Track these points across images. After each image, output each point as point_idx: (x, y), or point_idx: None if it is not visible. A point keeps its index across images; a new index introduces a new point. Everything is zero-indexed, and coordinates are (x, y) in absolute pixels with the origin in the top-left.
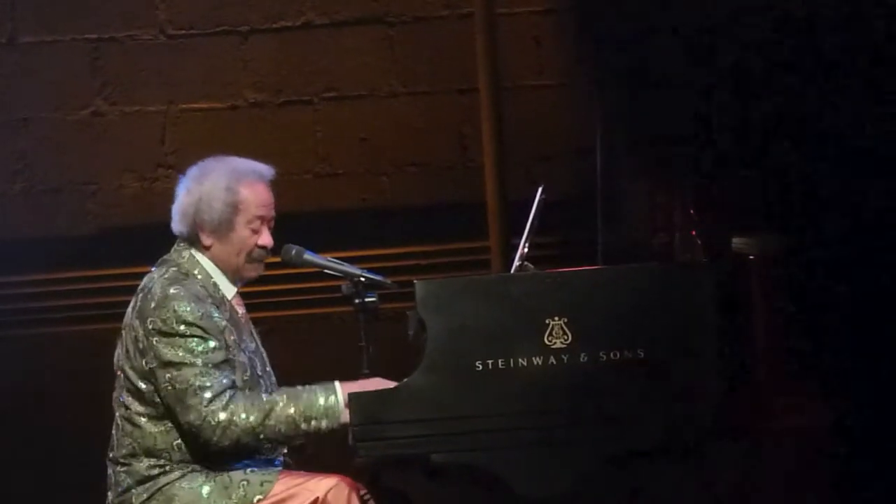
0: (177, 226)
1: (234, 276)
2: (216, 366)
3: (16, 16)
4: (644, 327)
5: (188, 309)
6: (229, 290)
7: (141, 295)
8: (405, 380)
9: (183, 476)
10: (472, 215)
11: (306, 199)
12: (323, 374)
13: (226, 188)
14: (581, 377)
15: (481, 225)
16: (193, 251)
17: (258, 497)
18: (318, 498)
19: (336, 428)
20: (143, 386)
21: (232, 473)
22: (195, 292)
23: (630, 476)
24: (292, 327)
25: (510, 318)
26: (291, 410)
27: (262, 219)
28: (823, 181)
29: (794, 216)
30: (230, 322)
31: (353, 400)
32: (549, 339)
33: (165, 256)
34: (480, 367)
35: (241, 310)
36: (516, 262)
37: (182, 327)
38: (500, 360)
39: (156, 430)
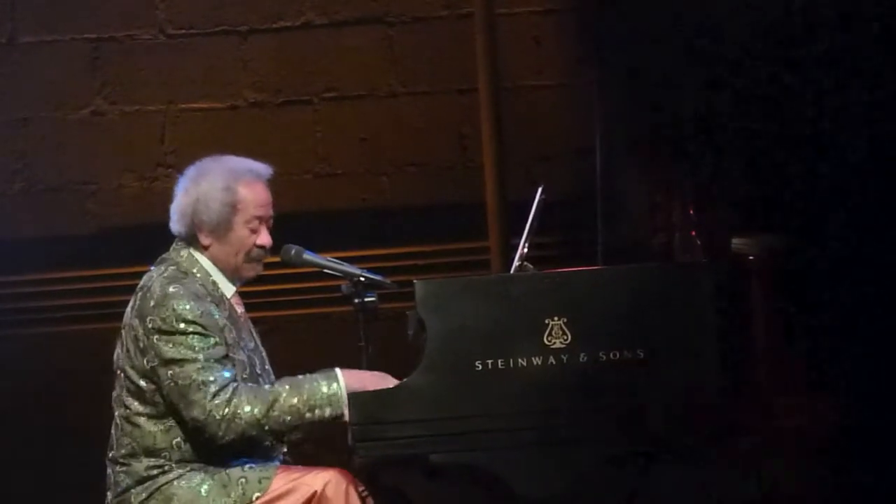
0: (175, 225)
1: (232, 275)
2: (218, 361)
3: (16, 16)
4: (644, 327)
5: (188, 307)
6: (228, 289)
7: (140, 294)
8: (405, 380)
9: (182, 475)
10: (472, 215)
11: (306, 198)
12: None
13: (224, 188)
14: (580, 377)
15: (481, 225)
16: (192, 250)
17: (257, 494)
18: (316, 492)
19: (339, 415)
20: (143, 385)
21: (230, 471)
22: (194, 291)
23: (630, 476)
24: (292, 327)
25: (510, 319)
26: (295, 400)
27: (260, 219)
28: (823, 181)
29: (794, 216)
30: (229, 321)
31: (353, 400)
32: (549, 339)
33: (164, 255)
34: (480, 367)
35: (240, 309)
36: (516, 263)
37: (182, 325)
38: (499, 360)
39: (155, 429)
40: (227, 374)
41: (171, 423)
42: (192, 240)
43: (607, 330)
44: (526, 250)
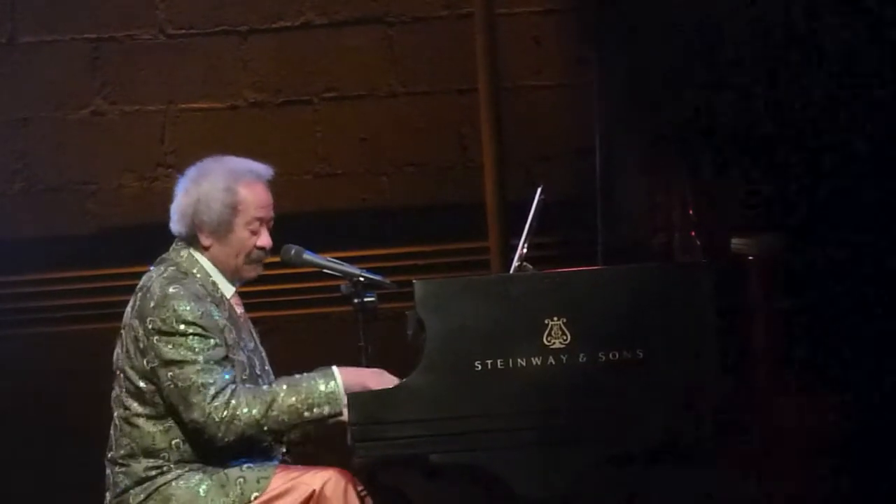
0: (175, 226)
1: (232, 276)
2: (218, 362)
3: (16, 16)
4: (643, 327)
5: (188, 308)
6: (228, 290)
7: (140, 294)
8: (404, 380)
9: (180, 476)
10: (472, 215)
11: (306, 199)
12: None
13: (225, 189)
14: (580, 377)
15: (481, 225)
16: (192, 251)
17: (255, 494)
18: (314, 491)
19: (338, 413)
20: (143, 385)
21: (228, 471)
22: (194, 291)
23: (629, 476)
24: (291, 327)
25: (509, 319)
26: (293, 399)
27: (261, 220)
28: (823, 181)
29: (794, 216)
30: (229, 321)
31: (352, 399)
32: (549, 339)
33: (164, 255)
34: (479, 367)
35: (239, 309)
36: (515, 263)
37: (182, 326)
38: (498, 361)
39: (154, 429)
40: (226, 376)
41: (170, 423)
42: (192, 240)
43: (607, 330)
44: (525, 250)
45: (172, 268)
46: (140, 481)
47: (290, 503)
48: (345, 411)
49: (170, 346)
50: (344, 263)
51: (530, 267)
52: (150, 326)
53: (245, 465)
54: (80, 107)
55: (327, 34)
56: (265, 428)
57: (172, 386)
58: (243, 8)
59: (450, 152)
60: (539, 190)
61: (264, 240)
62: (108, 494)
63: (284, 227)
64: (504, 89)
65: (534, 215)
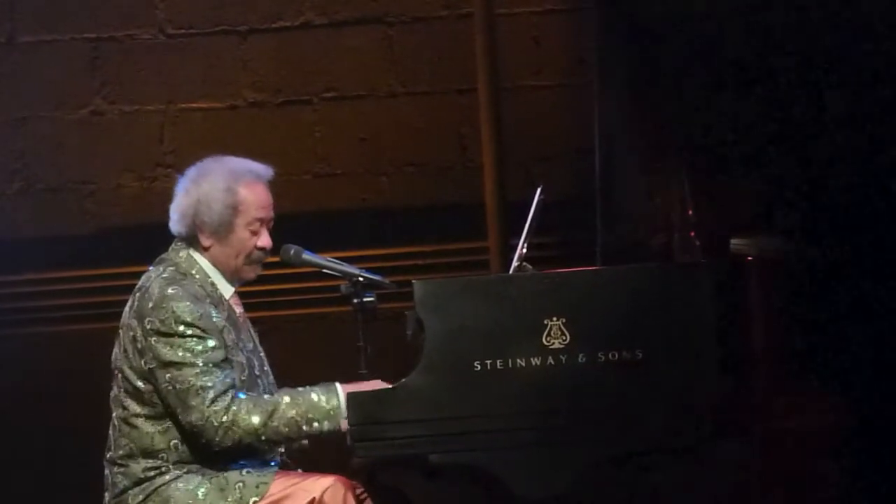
0: (175, 226)
1: (232, 276)
2: (217, 365)
3: (15, 15)
4: (643, 328)
5: (187, 309)
6: (227, 290)
7: (138, 294)
8: (403, 380)
9: (179, 477)
10: (471, 215)
11: (305, 199)
12: (321, 374)
13: (225, 189)
14: (579, 378)
15: (480, 225)
16: (191, 251)
17: (254, 499)
18: (314, 498)
19: (337, 430)
20: (141, 385)
21: (228, 475)
22: (193, 292)
23: (629, 476)
24: (291, 327)
25: (509, 319)
26: (293, 412)
27: (261, 220)
28: (822, 181)
29: (793, 216)
30: (228, 322)
31: (351, 400)
32: (548, 339)
33: (163, 255)
34: (479, 367)
35: (238, 309)
36: (515, 263)
37: (181, 327)
38: (498, 361)
39: (153, 430)
40: (226, 379)
41: (169, 424)
42: (192, 240)
43: (606, 330)
44: (525, 250)
45: (171, 268)
46: (139, 482)
47: None
48: (343, 425)
49: (168, 348)
50: (343, 263)
51: (530, 267)
52: (148, 327)
53: (245, 470)
54: (80, 106)
55: (327, 34)
56: (263, 437)
57: (171, 388)
58: (243, 8)
59: (449, 152)
60: (539, 190)
61: (264, 240)
62: (106, 495)
63: (284, 227)
64: (504, 89)
65: (533, 215)
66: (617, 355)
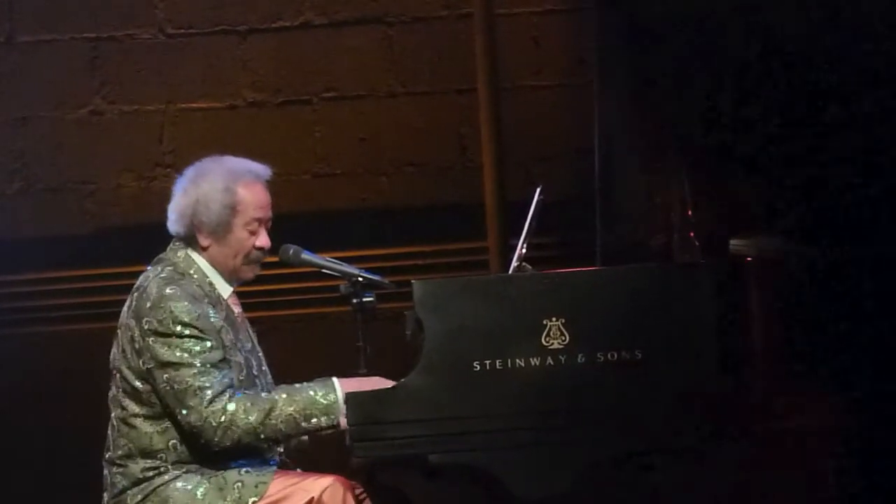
0: (173, 226)
1: (230, 276)
2: (214, 365)
3: (14, 15)
4: (642, 328)
5: (184, 309)
6: (225, 290)
7: (136, 294)
8: (402, 380)
9: (177, 477)
10: (471, 215)
11: (305, 198)
12: (320, 374)
13: (224, 189)
14: (579, 378)
15: (480, 225)
16: (190, 251)
17: (253, 499)
18: (313, 498)
19: (335, 425)
20: (139, 385)
21: (227, 474)
22: (191, 292)
23: (629, 476)
24: (290, 327)
25: (508, 319)
26: (291, 409)
27: (259, 220)
28: (822, 182)
29: (793, 217)
30: (226, 322)
31: (351, 400)
32: (547, 339)
33: (161, 255)
34: (478, 367)
35: (237, 309)
36: (514, 263)
37: (178, 328)
38: (497, 361)
39: (151, 430)
40: (224, 379)
41: (168, 424)
42: (190, 240)
43: (606, 331)
44: (524, 251)
45: (169, 268)
46: (137, 482)
47: None
48: (342, 421)
49: (166, 348)
50: (342, 263)
51: (529, 267)
52: (146, 327)
53: (244, 470)
54: (79, 106)
55: (327, 34)
56: (262, 436)
57: (168, 388)
58: (243, 8)
59: (449, 152)
60: (538, 190)
61: (263, 240)
62: (105, 495)
63: (283, 226)
64: (503, 89)
65: (533, 215)
66: (616, 356)
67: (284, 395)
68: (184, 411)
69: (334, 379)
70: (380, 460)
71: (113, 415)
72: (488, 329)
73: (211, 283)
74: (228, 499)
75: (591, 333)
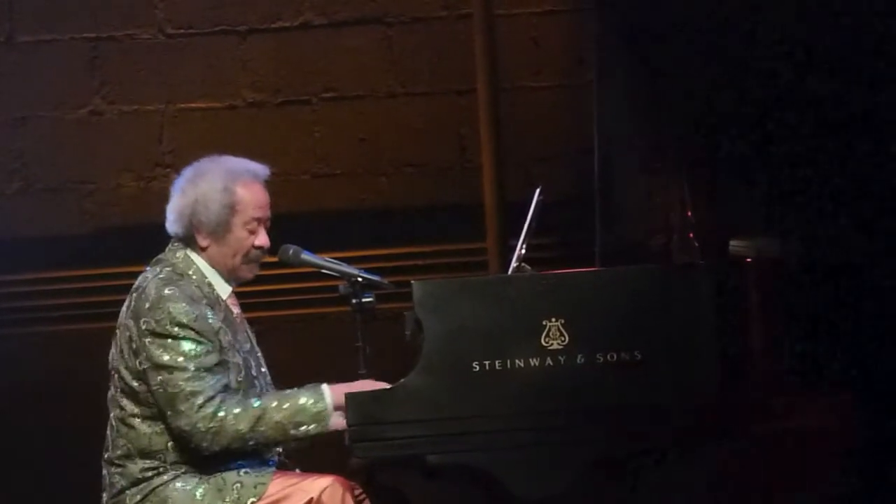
0: (172, 226)
1: (229, 276)
2: (208, 370)
3: (14, 15)
4: (641, 329)
5: (182, 310)
6: (224, 290)
7: (135, 295)
8: (402, 380)
9: (176, 477)
10: (471, 216)
11: (304, 199)
12: (319, 375)
13: (222, 189)
14: (578, 378)
15: (479, 226)
16: (188, 251)
17: (252, 499)
18: (312, 498)
19: (324, 432)
20: (136, 385)
21: (226, 475)
22: (190, 293)
23: (629, 476)
24: (289, 327)
25: (507, 319)
26: (280, 416)
27: (258, 220)
28: (821, 182)
29: (792, 218)
30: (225, 322)
31: (350, 400)
32: (546, 340)
33: (160, 256)
34: (477, 367)
35: (236, 309)
36: (514, 264)
37: (175, 329)
38: (496, 361)
39: (150, 430)
40: (216, 385)
41: (164, 424)
42: (189, 241)
43: (605, 331)
44: (524, 251)
45: (168, 269)
46: (136, 482)
47: None
48: (332, 426)
49: (161, 350)
50: (342, 263)
51: (528, 268)
52: (143, 327)
53: (243, 470)
54: (79, 106)
55: (326, 34)
56: (250, 442)
57: (161, 390)
58: (242, 8)
59: (449, 153)
60: (538, 191)
61: (262, 239)
62: (104, 495)
63: (283, 226)
64: (503, 90)
65: (532, 216)
66: (615, 356)
67: (274, 403)
68: (174, 415)
69: (324, 386)
70: (379, 461)
71: (112, 415)
72: (488, 329)
73: (210, 284)
74: (227, 499)
75: (590, 334)
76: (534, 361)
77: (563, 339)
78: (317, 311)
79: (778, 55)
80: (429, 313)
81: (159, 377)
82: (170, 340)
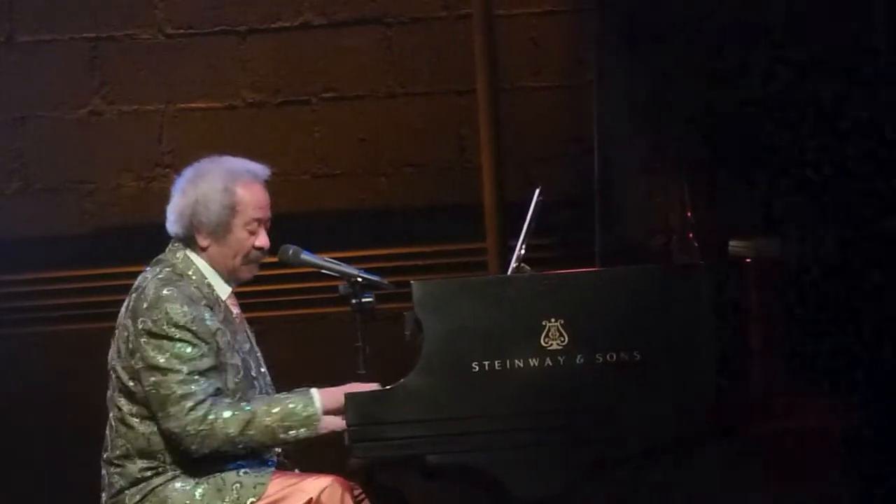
0: (172, 227)
1: (229, 276)
2: (201, 373)
3: (14, 15)
4: (641, 329)
5: (180, 312)
6: (224, 291)
7: (135, 295)
8: (402, 380)
9: (175, 477)
10: (470, 216)
11: (304, 199)
12: (319, 375)
13: (223, 189)
14: (577, 379)
15: (479, 226)
16: (188, 252)
17: (251, 499)
18: (311, 499)
19: (314, 437)
20: (132, 385)
21: (225, 475)
22: (189, 294)
23: (629, 476)
24: (289, 327)
25: (507, 320)
26: (269, 420)
27: (259, 220)
28: (821, 182)
29: (792, 218)
30: (224, 323)
31: (350, 400)
32: (546, 340)
33: (160, 256)
34: (477, 368)
35: (235, 310)
36: (513, 264)
37: (172, 330)
38: (496, 362)
39: (149, 430)
40: (208, 388)
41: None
42: (189, 241)
43: (604, 331)
44: (523, 251)
45: (168, 269)
46: (135, 482)
47: None
48: (321, 428)
49: (156, 350)
50: (342, 264)
51: (528, 268)
52: (140, 327)
53: (242, 470)
54: (79, 106)
55: (326, 34)
56: (240, 446)
57: (154, 391)
58: (242, 8)
59: (448, 153)
60: (537, 191)
61: (262, 240)
62: (103, 495)
63: (282, 227)
64: (502, 90)
65: (532, 216)
66: (615, 356)
67: (264, 407)
68: (164, 417)
69: (313, 390)
70: (379, 461)
71: (111, 415)
72: (487, 330)
73: (209, 284)
74: (227, 499)
75: (589, 334)
76: (533, 362)
77: (562, 339)
78: (317, 311)
79: (777, 54)
80: (428, 313)
81: (152, 378)
82: (165, 341)
